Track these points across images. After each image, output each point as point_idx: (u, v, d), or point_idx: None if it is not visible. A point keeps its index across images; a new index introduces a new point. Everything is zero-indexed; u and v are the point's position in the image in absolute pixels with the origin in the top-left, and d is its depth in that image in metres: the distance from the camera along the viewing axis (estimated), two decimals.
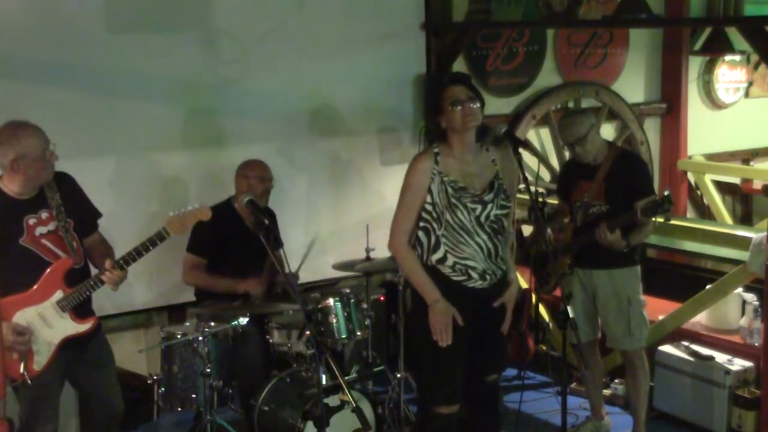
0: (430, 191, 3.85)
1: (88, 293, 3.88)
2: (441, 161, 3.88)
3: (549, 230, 4.87)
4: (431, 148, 3.95)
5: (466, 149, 3.90)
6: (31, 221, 3.82)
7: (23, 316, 3.80)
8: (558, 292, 4.53)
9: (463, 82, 3.94)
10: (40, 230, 3.83)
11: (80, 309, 3.91)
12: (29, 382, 3.80)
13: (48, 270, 3.82)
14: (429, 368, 4.00)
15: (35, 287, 3.82)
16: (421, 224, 3.89)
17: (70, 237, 3.88)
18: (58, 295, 3.85)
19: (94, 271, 4.00)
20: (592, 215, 4.65)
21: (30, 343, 3.80)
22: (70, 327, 3.90)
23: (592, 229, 4.56)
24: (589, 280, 4.74)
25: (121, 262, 3.85)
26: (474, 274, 3.86)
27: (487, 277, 3.88)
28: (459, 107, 3.82)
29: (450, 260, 3.86)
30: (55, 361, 3.89)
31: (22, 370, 3.78)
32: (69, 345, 3.92)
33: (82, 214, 4.00)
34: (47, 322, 3.85)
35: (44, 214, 3.85)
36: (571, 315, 3.70)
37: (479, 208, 3.85)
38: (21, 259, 3.79)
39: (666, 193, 4.36)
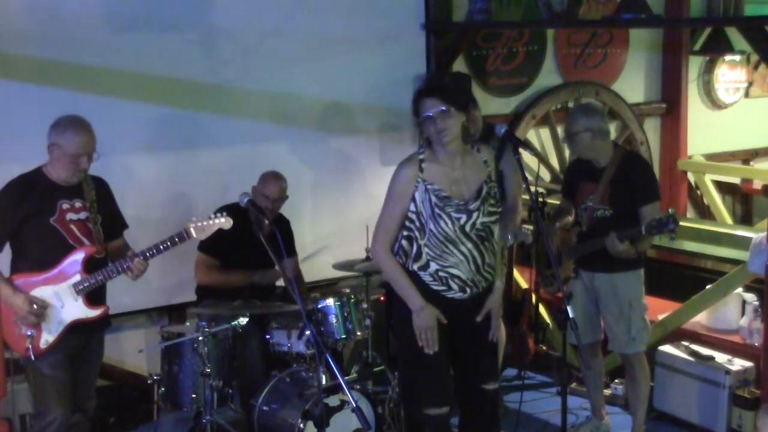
0: (413, 199, 3.78)
1: (104, 280, 4.05)
2: (426, 168, 3.80)
3: (557, 225, 4.85)
4: (416, 154, 3.86)
5: (451, 156, 3.82)
6: (65, 206, 4.03)
7: (40, 293, 3.98)
8: (559, 292, 4.53)
9: (437, 92, 3.78)
10: (71, 216, 4.04)
11: (93, 296, 4.07)
12: (32, 357, 3.94)
13: (71, 252, 4.00)
14: (412, 374, 3.95)
15: (57, 267, 4.00)
16: (405, 233, 3.83)
17: (97, 229, 4.08)
18: (77, 278, 4.01)
19: None
20: (596, 219, 4.61)
21: (41, 319, 3.96)
22: (81, 311, 4.04)
23: (597, 235, 4.52)
24: (591, 282, 4.71)
25: (141, 255, 4.03)
26: (454, 285, 3.81)
27: (468, 290, 3.83)
28: (431, 121, 3.75)
29: (432, 267, 3.80)
30: (62, 342, 4.02)
31: (28, 344, 3.94)
32: (76, 330, 4.05)
33: (110, 218, 4.21)
34: (61, 302, 4.00)
35: (78, 204, 4.06)
36: (571, 315, 3.69)
37: (464, 217, 3.78)
38: (48, 237, 3.99)
39: (670, 211, 4.28)
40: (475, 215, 3.79)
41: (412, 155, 3.89)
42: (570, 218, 4.85)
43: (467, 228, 3.78)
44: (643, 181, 4.58)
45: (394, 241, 3.86)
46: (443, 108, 3.73)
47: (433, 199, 3.77)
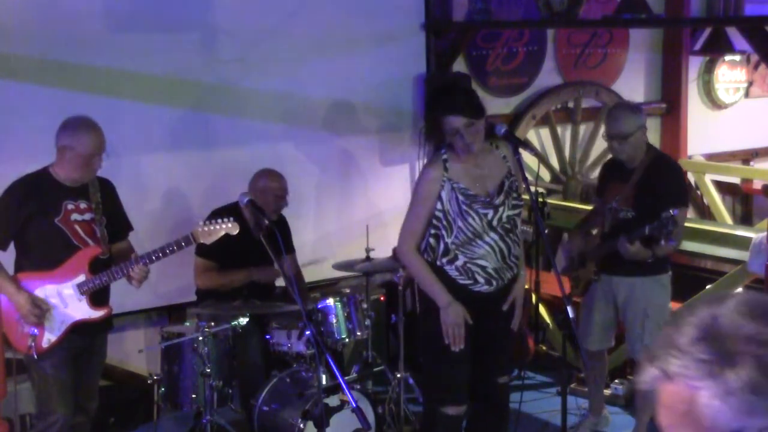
0: (440, 198, 3.86)
1: (108, 281, 4.05)
2: (450, 167, 3.88)
3: (591, 231, 4.78)
4: (440, 154, 3.93)
5: (473, 154, 3.90)
6: (69, 206, 4.03)
7: (43, 292, 4.00)
8: (559, 292, 4.52)
9: (460, 110, 3.82)
10: (75, 217, 4.04)
11: (97, 297, 4.07)
12: (35, 356, 3.95)
13: (76, 253, 4.01)
14: (436, 370, 4.00)
15: (61, 267, 4.00)
16: (432, 231, 3.90)
17: (102, 230, 4.08)
18: (81, 278, 4.01)
19: None
20: (619, 221, 4.50)
21: (44, 318, 3.97)
22: (84, 311, 4.04)
23: (616, 237, 4.43)
24: (610, 286, 4.63)
25: (146, 258, 4.02)
26: (480, 279, 3.87)
27: (494, 282, 3.89)
28: (459, 137, 3.81)
29: (460, 260, 3.86)
30: (64, 342, 4.03)
31: (30, 343, 3.95)
32: (79, 331, 4.06)
33: (115, 219, 4.22)
34: (64, 301, 4.01)
35: (83, 205, 4.06)
36: (571, 315, 3.69)
37: (491, 212, 3.86)
38: (52, 237, 4.00)
39: (671, 212, 4.15)
40: (501, 210, 3.87)
41: (436, 156, 3.99)
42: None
43: (494, 222, 3.87)
44: (670, 187, 4.46)
45: (420, 241, 3.93)
46: (467, 122, 3.80)
47: (460, 197, 3.84)
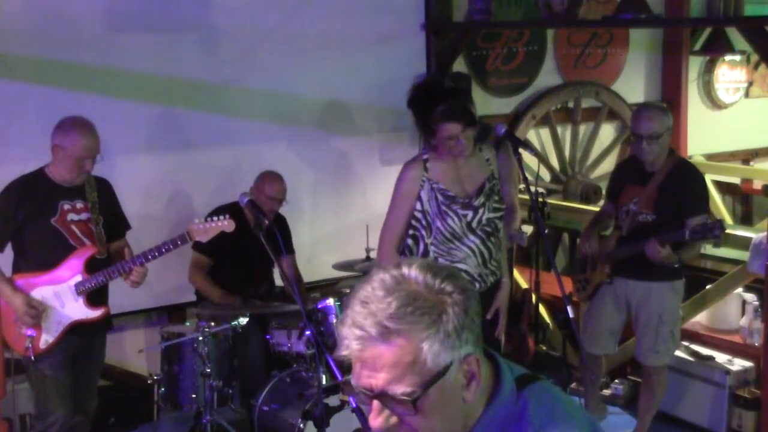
0: (419, 198, 3.84)
1: (105, 281, 4.05)
2: (430, 168, 3.87)
3: (600, 230, 4.75)
4: (420, 155, 3.93)
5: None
6: (66, 206, 4.03)
7: (40, 293, 3.99)
8: (559, 292, 4.51)
9: (460, 117, 3.79)
10: (72, 217, 4.04)
11: (94, 296, 4.07)
12: (32, 357, 3.95)
13: (72, 253, 4.01)
14: None
15: (58, 268, 4.00)
16: (410, 232, 3.88)
17: (99, 230, 4.08)
18: (77, 278, 4.01)
19: None
20: (638, 224, 4.43)
21: (40, 319, 3.97)
22: (81, 311, 4.05)
23: (638, 240, 4.35)
24: (624, 290, 4.57)
25: (142, 257, 4.02)
26: None
27: (476, 285, 3.86)
28: (453, 143, 3.80)
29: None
30: (62, 343, 4.03)
31: (27, 344, 3.94)
32: (77, 331, 4.06)
33: (112, 219, 4.22)
34: (61, 302, 4.01)
35: (79, 204, 4.06)
36: (571, 315, 3.67)
37: (470, 214, 3.84)
38: (48, 238, 4.00)
39: (718, 217, 4.10)
40: (480, 211, 3.85)
41: (417, 156, 3.98)
42: (612, 222, 4.71)
43: (474, 224, 3.84)
44: (694, 193, 4.41)
45: (401, 242, 3.91)
46: (464, 130, 3.79)
47: (440, 197, 3.83)
